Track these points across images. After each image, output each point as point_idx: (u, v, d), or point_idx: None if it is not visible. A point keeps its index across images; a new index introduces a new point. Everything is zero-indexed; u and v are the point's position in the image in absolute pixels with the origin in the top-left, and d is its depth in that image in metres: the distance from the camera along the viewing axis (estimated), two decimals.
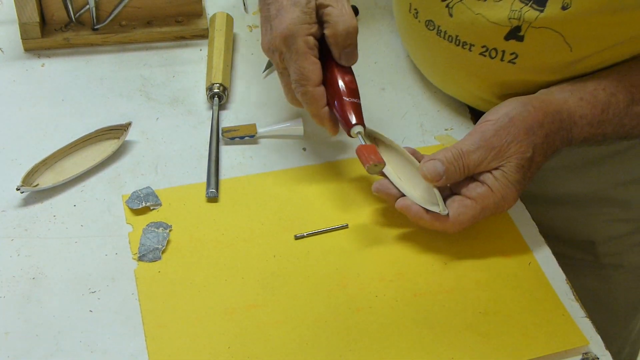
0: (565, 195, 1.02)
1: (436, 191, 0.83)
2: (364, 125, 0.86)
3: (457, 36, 0.92)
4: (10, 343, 0.76)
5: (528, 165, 0.83)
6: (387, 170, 0.86)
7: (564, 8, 0.84)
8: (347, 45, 0.86)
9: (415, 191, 0.85)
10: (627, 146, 0.97)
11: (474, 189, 0.83)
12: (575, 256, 1.06)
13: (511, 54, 0.90)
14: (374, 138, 0.89)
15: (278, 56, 0.85)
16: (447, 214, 0.82)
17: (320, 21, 0.85)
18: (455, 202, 0.83)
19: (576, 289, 0.85)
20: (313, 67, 0.84)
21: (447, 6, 0.91)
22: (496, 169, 0.83)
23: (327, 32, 0.85)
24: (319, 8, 0.85)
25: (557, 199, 1.02)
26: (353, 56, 0.87)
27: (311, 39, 0.84)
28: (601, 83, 0.89)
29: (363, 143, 0.84)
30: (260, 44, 0.88)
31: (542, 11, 0.85)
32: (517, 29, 0.87)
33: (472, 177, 0.84)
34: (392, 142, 0.88)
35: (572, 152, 0.96)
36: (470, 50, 0.91)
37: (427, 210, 0.82)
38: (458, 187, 0.84)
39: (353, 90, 0.87)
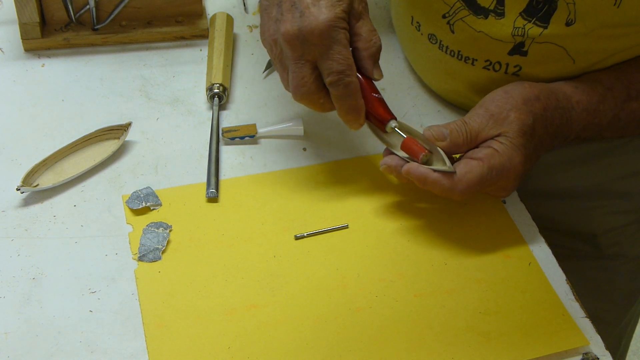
0: (566, 189, 1.02)
1: (441, 151, 0.84)
2: (396, 119, 0.86)
3: (459, 51, 0.92)
4: (10, 343, 0.76)
5: (531, 133, 0.84)
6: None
7: (568, 24, 0.85)
8: (378, 59, 0.86)
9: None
10: (626, 139, 0.98)
11: (479, 151, 0.84)
12: (576, 247, 1.06)
13: (515, 66, 0.90)
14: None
15: (311, 46, 0.81)
16: (455, 173, 0.82)
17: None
18: (462, 163, 0.84)
19: (577, 280, 0.85)
20: (352, 59, 0.83)
21: (448, 23, 0.91)
22: (499, 135, 0.84)
23: (360, 45, 0.84)
24: (351, 17, 0.83)
25: (558, 193, 1.03)
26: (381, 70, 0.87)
27: (348, 35, 0.83)
28: (598, 77, 0.89)
29: (403, 136, 0.85)
30: (276, 32, 0.83)
31: (545, 27, 0.86)
32: (521, 44, 0.88)
33: (476, 146, 0.85)
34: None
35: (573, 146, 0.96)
36: (473, 64, 0.92)
37: (434, 170, 0.83)
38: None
39: (375, 87, 0.87)
